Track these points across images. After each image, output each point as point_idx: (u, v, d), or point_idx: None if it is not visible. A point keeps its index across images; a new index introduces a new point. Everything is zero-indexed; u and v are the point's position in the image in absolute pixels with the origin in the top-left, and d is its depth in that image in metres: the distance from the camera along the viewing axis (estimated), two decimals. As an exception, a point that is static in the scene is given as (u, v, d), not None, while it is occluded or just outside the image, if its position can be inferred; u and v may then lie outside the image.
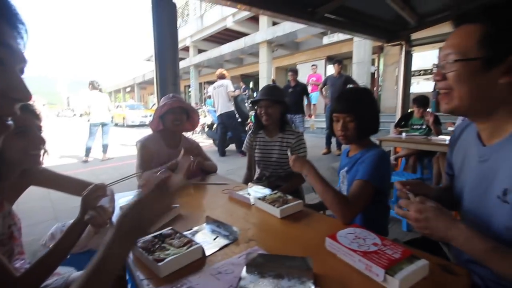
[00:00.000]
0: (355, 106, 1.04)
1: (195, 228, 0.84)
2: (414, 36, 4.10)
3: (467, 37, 0.62)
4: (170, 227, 0.76)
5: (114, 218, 0.87)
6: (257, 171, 1.76)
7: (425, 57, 7.56)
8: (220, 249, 0.73)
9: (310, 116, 6.86)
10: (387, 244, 0.66)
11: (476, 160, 0.69)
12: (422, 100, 3.12)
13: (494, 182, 0.63)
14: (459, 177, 0.77)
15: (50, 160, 1.68)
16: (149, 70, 17.87)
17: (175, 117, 1.52)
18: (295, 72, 4.65)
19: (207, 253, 0.70)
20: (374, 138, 1.14)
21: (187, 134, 1.78)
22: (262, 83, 10.50)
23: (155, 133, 1.59)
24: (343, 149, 1.29)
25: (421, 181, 0.89)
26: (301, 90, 4.61)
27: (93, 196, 0.78)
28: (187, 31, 14.11)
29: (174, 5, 2.18)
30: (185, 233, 0.77)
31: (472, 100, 0.63)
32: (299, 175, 1.74)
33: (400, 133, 3.04)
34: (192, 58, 14.40)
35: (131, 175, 1.07)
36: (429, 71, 7.81)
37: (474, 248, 0.57)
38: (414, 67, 7.62)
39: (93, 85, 4.80)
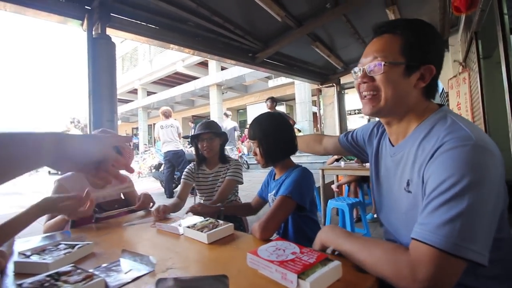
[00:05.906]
0: (256, 132, 1.12)
1: (106, 264, 0.74)
2: (345, 79, 4.73)
3: (390, 44, 0.68)
4: (72, 264, 0.66)
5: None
6: (197, 201, 1.70)
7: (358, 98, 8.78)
8: (132, 281, 0.64)
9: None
10: (305, 252, 0.66)
11: (389, 156, 0.78)
12: None
13: (402, 175, 0.70)
14: (372, 165, 0.86)
15: None
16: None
17: None
18: (273, 100, 4.90)
19: (114, 286, 0.61)
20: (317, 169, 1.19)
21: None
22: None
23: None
24: (267, 173, 1.32)
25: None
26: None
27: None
28: (136, 74, 14.03)
29: (113, 44, 2.20)
30: (93, 269, 0.67)
31: (394, 102, 0.69)
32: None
33: (338, 160, 3.31)
34: (141, 100, 14.14)
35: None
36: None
37: (336, 234, 0.72)
38: (351, 106, 8.67)
39: (74, 125, 4.55)
